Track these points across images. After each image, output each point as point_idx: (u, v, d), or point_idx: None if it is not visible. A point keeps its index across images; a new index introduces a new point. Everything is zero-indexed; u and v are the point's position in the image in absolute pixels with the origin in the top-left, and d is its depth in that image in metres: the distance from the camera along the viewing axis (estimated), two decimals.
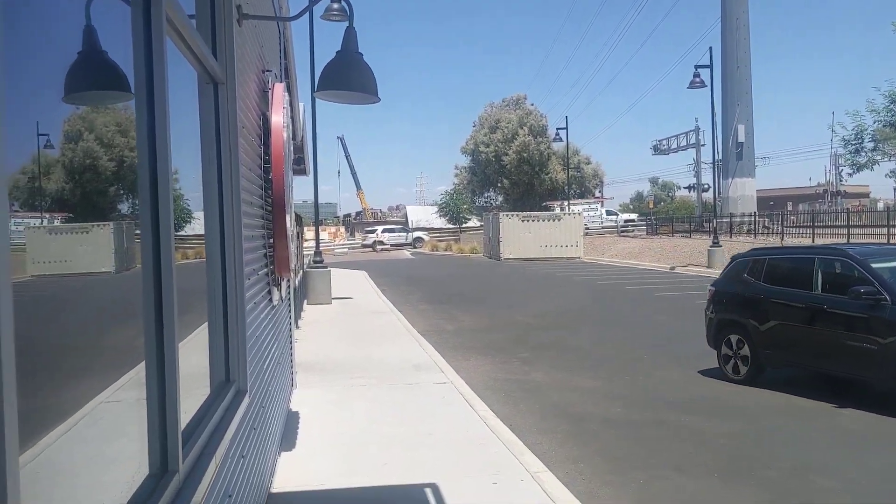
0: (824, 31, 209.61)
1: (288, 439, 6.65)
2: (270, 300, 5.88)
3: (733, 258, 10.91)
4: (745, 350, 9.69)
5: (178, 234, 3.04)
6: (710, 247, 30.84)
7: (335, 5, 20.05)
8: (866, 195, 79.25)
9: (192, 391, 3.55)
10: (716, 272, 29.36)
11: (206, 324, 3.85)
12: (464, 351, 12.50)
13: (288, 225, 5.90)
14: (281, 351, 7.02)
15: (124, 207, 2.20)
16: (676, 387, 9.58)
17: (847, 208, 38.95)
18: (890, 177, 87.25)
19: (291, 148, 7.03)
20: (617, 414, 8.21)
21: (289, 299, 8.35)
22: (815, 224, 34.89)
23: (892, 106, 12.01)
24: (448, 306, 19.67)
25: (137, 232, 2.28)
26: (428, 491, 5.28)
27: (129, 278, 2.23)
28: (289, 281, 7.63)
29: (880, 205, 52.43)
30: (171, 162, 2.53)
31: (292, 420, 7.38)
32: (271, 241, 5.86)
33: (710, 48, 30.98)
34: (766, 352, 9.46)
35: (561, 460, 6.46)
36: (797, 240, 34.47)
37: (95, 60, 2.01)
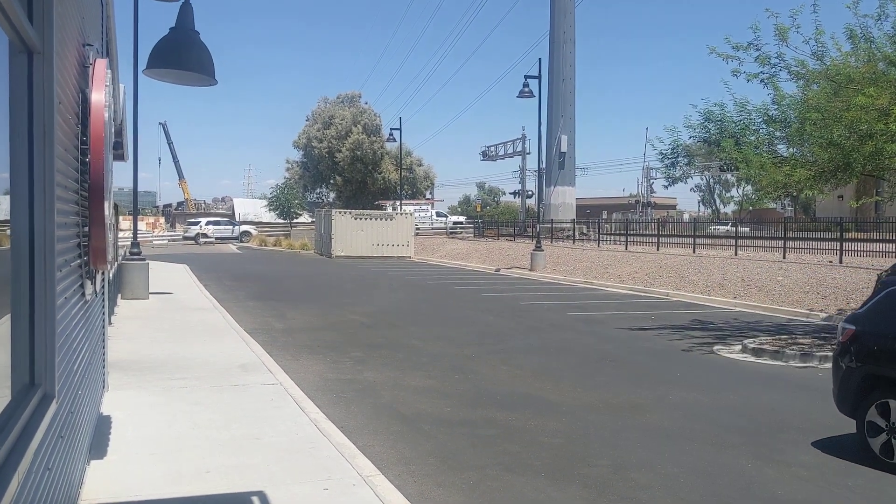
0: (645, 55, 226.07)
1: (99, 446, 6.10)
2: (83, 294, 5.36)
3: (885, 284, 7.63)
4: None
5: None
6: (533, 251, 32.19)
7: None
8: (673, 206, 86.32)
9: None
10: (538, 274, 30.74)
11: (9, 320, 3.42)
12: (294, 350, 12.15)
13: (106, 213, 5.41)
14: (93, 350, 6.44)
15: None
16: (504, 385, 9.83)
17: (658, 219, 42.05)
18: (694, 191, 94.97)
19: (112, 130, 6.48)
20: (448, 413, 8.27)
21: (103, 293, 7.70)
22: (629, 232, 37.30)
23: (706, 123, 13.08)
24: (277, 304, 19.12)
25: None
26: (255, 499, 5.02)
27: None
28: (104, 273, 7.03)
29: (686, 216, 57.40)
30: None
31: (104, 425, 6.79)
32: (86, 229, 5.34)
33: (539, 59, 32.37)
34: None
35: (393, 462, 6.39)
36: (613, 246, 36.78)
37: None
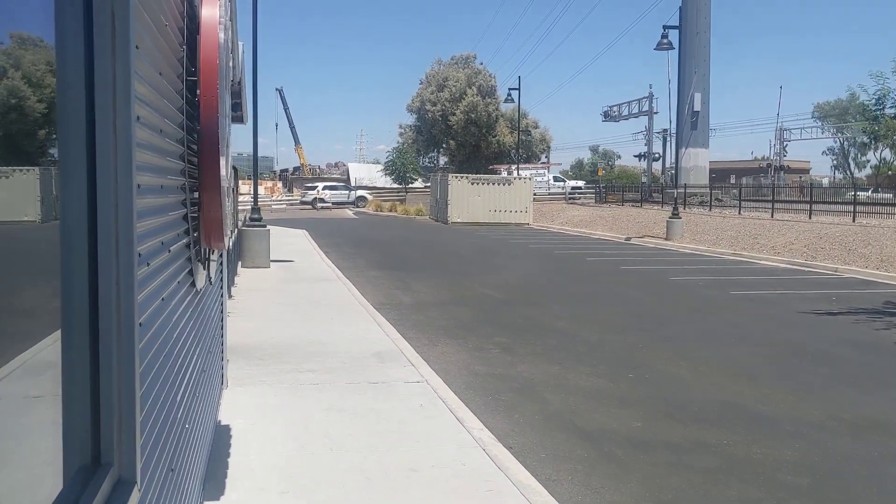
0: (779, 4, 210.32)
1: (215, 477, 4.72)
2: (193, 284, 3.92)
3: None
4: None
5: None
6: (670, 218, 29.65)
7: None
8: (807, 171, 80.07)
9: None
10: (675, 244, 28.20)
11: (58, 355, 1.96)
12: (429, 332, 10.67)
13: (223, 172, 3.92)
14: (209, 349, 5.06)
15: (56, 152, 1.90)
16: (693, 388, 7.98)
17: (809, 182, 38.35)
18: (827, 154, 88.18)
19: (231, 64, 4.99)
20: (639, 430, 6.52)
21: (221, 272, 6.34)
22: (775, 199, 33.89)
23: None
24: (400, 273, 17.80)
25: None
26: None
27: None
28: (221, 253, 5.63)
29: (825, 181, 52.65)
30: None
31: (221, 439, 5.45)
32: (196, 195, 3.88)
33: (680, 8, 29.43)
34: None
35: None
36: (756, 214, 33.68)
37: None
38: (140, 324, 2.37)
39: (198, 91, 3.76)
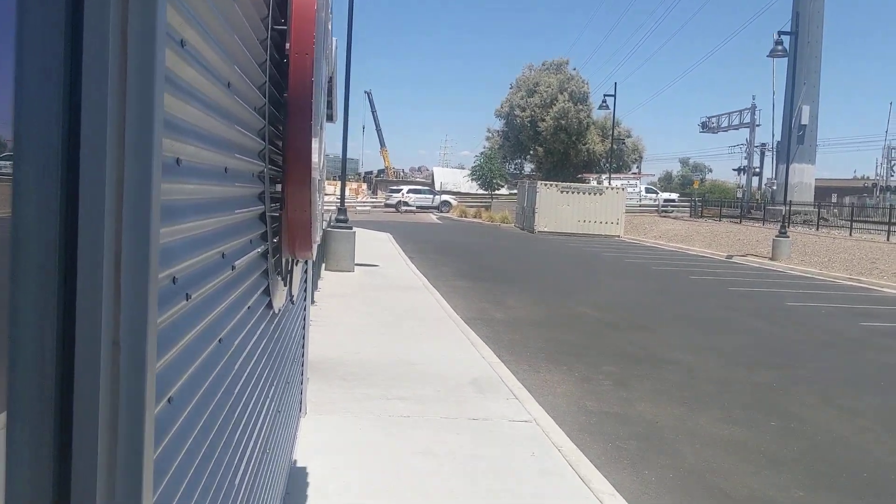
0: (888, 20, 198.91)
1: None
2: (269, 305, 2.93)
3: None
4: None
5: None
6: (777, 237, 27.61)
7: None
8: None
9: None
10: (782, 265, 26.14)
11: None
12: (528, 355, 9.55)
13: (315, 159, 2.92)
14: (287, 380, 4.10)
15: None
16: (857, 448, 6.60)
17: None
18: None
19: (330, 33, 4.01)
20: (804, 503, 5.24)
21: (304, 285, 5.39)
22: (892, 220, 31.26)
23: None
24: (489, 285, 16.72)
25: None
26: None
27: None
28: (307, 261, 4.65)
29: None
30: None
31: (296, 488, 4.47)
32: (279, 187, 2.90)
33: (797, 13, 27.42)
34: None
35: None
36: (867, 235, 31.23)
37: None
38: (170, 399, 1.36)
39: (287, 47, 2.78)
